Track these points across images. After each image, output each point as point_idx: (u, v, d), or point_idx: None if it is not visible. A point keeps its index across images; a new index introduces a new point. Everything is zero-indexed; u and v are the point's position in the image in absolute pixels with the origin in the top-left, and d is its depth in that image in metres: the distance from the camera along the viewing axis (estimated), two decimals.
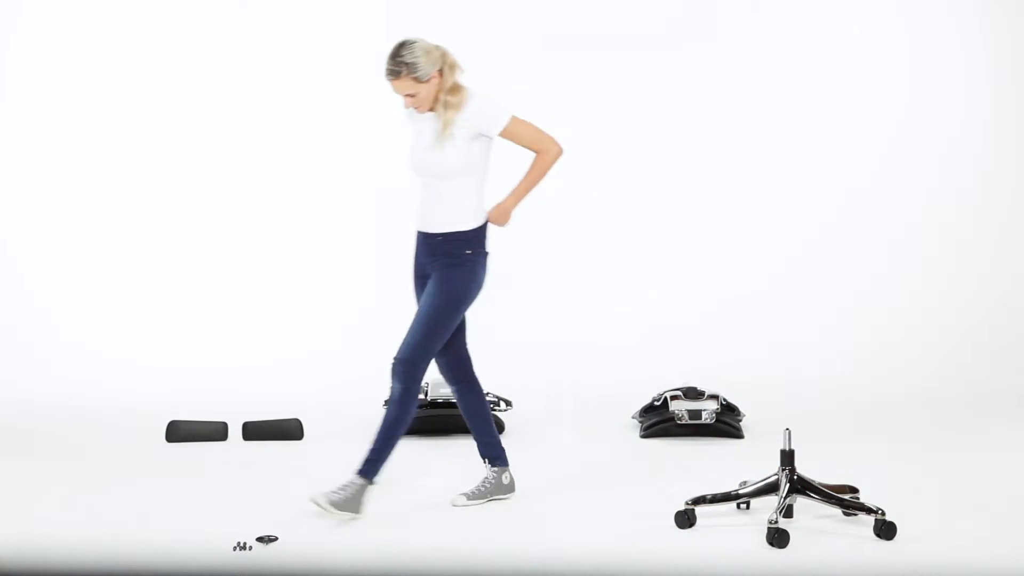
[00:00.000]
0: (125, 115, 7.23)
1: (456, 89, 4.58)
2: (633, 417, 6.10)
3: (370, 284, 7.06)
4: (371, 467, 4.51)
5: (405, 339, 4.58)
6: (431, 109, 4.58)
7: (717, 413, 5.83)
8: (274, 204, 7.29)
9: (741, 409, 5.97)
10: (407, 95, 4.55)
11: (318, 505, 4.41)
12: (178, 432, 5.78)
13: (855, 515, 4.29)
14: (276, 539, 4.17)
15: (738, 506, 4.46)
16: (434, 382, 5.95)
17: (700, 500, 4.33)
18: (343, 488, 4.46)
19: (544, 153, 4.63)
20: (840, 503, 4.28)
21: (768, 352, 7.15)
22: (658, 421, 5.89)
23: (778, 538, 4.06)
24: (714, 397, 5.89)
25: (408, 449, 5.66)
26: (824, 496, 4.27)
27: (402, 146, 7.21)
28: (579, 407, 6.53)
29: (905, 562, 3.94)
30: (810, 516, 4.36)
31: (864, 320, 7.34)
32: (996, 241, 7.47)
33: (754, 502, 4.43)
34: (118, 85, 7.23)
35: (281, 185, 7.27)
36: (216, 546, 4.13)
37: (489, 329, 7.03)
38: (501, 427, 5.92)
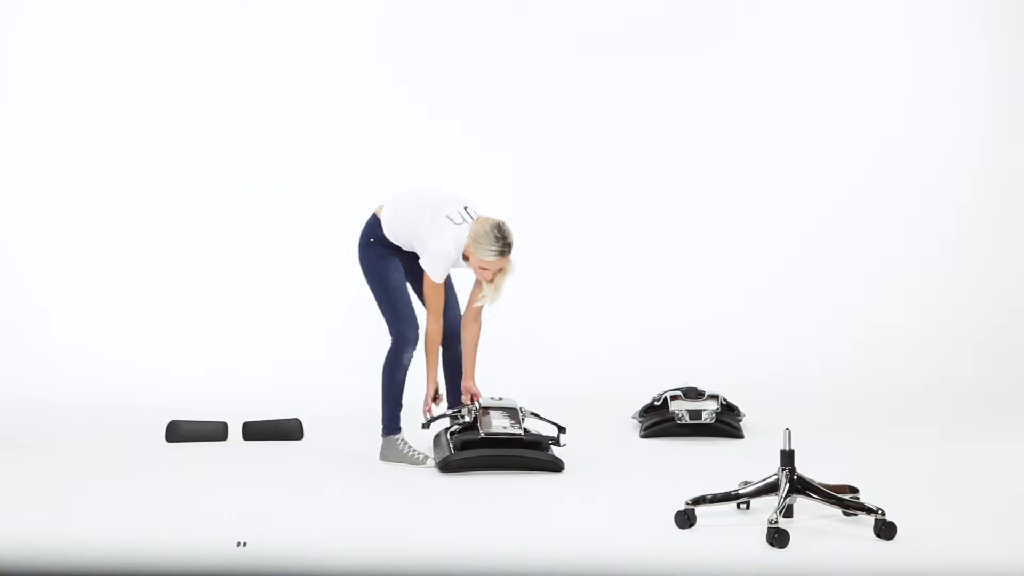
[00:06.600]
0: (125, 116, 7.23)
1: None
2: (633, 417, 6.10)
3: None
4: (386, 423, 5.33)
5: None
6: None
7: (717, 413, 5.82)
8: (275, 204, 7.29)
9: (741, 409, 5.97)
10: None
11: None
12: (178, 432, 5.77)
13: (855, 515, 4.29)
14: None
15: (738, 506, 4.45)
16: None
17: (700, 500, 4.32)
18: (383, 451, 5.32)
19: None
20: (840, 503, 4.28)
21: (768, 352, 7.15)
22: (658, 421, 5.88)
23: (778, 538, 4.05)
24: (714, 397, 5.89)
25: None
26: (824, 496, 4.27)
27: (399, 147, 7.30)
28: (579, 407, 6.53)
29: (905, 562, 3.94)
30: (810, 516, 4.36)
31: (864, 320, 7.34)
32: (996, 241, 7.47)
33: (754, 502, 4.43)
34: (118, 86, 7.23)
35: (281, 185, 7.28)
36: (216, 546, 4.13)
37: (490, 330, 7.05)
38: None
